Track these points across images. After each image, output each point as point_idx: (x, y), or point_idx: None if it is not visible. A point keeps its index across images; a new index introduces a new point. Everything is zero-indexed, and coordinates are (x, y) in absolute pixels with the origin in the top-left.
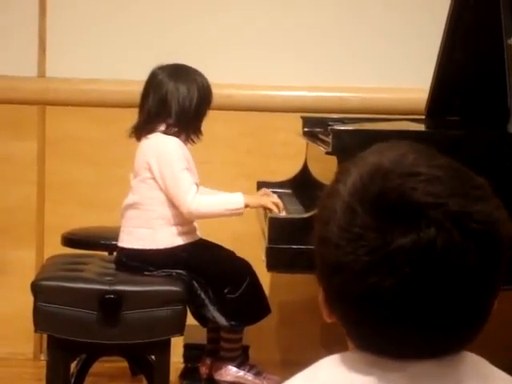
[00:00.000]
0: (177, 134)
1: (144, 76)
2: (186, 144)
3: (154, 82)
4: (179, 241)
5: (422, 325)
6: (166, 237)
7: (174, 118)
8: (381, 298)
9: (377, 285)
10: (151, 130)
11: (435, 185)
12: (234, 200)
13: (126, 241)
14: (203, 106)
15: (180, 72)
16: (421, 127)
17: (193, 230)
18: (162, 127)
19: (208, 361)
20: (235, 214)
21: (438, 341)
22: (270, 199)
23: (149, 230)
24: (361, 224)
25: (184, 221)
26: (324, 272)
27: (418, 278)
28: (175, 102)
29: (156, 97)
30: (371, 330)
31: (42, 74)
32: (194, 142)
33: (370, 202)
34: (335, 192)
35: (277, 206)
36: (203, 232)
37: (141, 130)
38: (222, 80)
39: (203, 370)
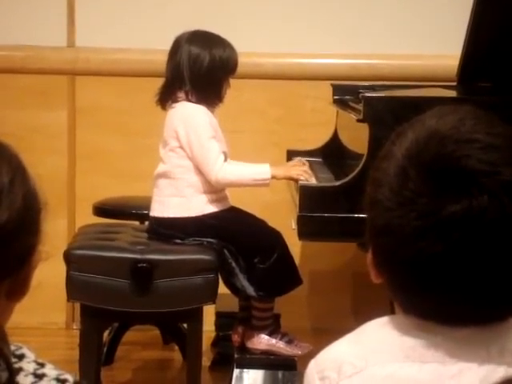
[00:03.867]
0: (198, 102)
1: None
2: (212, 112)
3: (173, 48)
4: (210, 208)
5: (468, 292)
6: (198, 205)
7: (188, 84)
8: (428, 264)
9: (425, 250)
10: (174, 98)
11: (491, 153)
12: (261, 170)
13: (158, 210)
14: (217, 73)
15: (198, 37)
16: (452, 94)
17: (224, 198)
18: (181, 94)
19: (240, 329)
20: (261, 184)
21: (484, 308)
22: (297, 169)
23: (181, 199)
24: (413, 188)
25: (214, 188)
26: (373, 234)
27: (467, 245)
28: (186, 66)
29: (172, 62)
30: (417, 295)
31: (71, 43)
32: (213, 107)
33: (424, 167)
34: (390, 154)
35: (304, 174)
36: (233, 201)
37: (162, 98)
38: (251, 48)
39: (235, 338)
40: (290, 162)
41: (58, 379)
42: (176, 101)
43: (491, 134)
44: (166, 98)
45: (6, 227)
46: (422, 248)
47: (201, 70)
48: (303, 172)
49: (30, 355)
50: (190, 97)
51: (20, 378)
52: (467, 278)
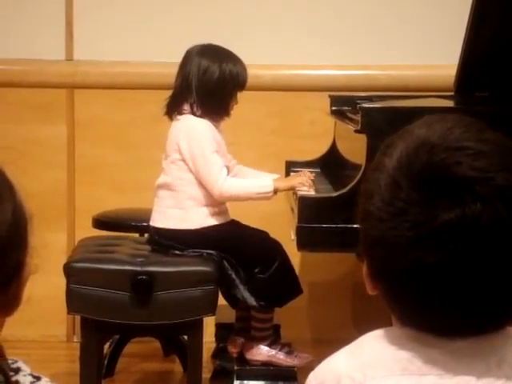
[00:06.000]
0: (202, 115)
1: (171, 58)
2: (217, 126)
3: (183, 60)
4: (210, 221)
5: (465, 302)
6: (198, 217)
7: (195, 96)
8: (424, 274)
9: (420, 261)
10: (179, 110)
11: (482, 159)
12: (264, 184)
13: (159, 220)
14: (225, 87)
15: (208, 51)
16: (449, 104)
17: (224, 211)
18: (187, 107)
19: (237, 339)
20: (264, 197)
21: (481, 318)
22: (299, 178)
23: (181, 211)
24: (405, 199)
25: (215, 202)
26: (367, 246)
27: (462, 254)
28: (195, 78)
29: (181, 74)
30: (413, 307)
31: (69, 57)
32: (218, 121)
33: (415, 176)
34: (380, 165)
35: (305, 183)
36: (233, 212)
37: (168, 109)
38: (249, 60)
39: (232, 349)
40: (293, 174)
41: None
42: (181, 113)
43: (481, 140)
44: (173, 109)
45: None
46: (416, 259)
47: (210, 82)
48: (305, 181)
49: (26, 368)
50: (195, 110)
51: None
52: (463, 288)
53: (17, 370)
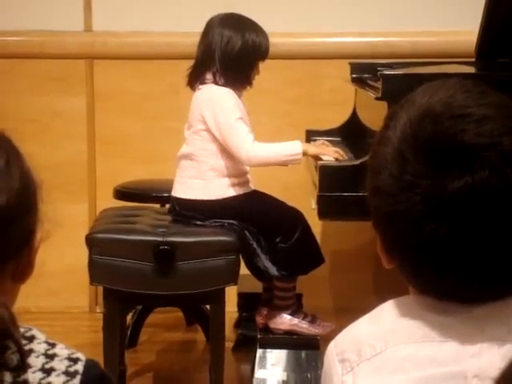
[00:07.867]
0: (225, 85)
1: (190, 27)
2: (240, 96)
3: (205, 30)
4: (232, 192)
5: (482, 268)
6: (219, 188)
7: (218, 66)
8: (439, 245)
9: (434, 232)
10: (202, 80)
11: (486, 125)
12: (293, 147)
13: (180, 191)
14: (248, 57)
15: (231, 20)
16: (471, 70)
17: (246, 182)
18: (210, 76)
19: (264, 310)
20: (293, 160)
21: (498, 283)
22: (331, 149)
23: (203, 182)
24: (413, 172)
25: (237, 172)
26: (379, 222)
27: (475, 221)
28: (217, 48)
29: (203, 43)
30: (430, 277)
31: (88, 27)
32: (240, 90)
33: (421, 148)
34: (385, 139)
35: (336, 155)
36: (253, 183)
37: (191, 79)
38: (268, 28)
39: (259, 320)
40: (317, 142)
41: (69, 358)
42: (203, 83)
43: (483, 105)
44: (195, 78)
45: (6, 209)
46: (430, 231)
47: (232, 52)
48: (336, 152)
49: (40, 336)
50: (217, 79)
51: (31, 359)
52: (479, 255)
53: (31, 339)
